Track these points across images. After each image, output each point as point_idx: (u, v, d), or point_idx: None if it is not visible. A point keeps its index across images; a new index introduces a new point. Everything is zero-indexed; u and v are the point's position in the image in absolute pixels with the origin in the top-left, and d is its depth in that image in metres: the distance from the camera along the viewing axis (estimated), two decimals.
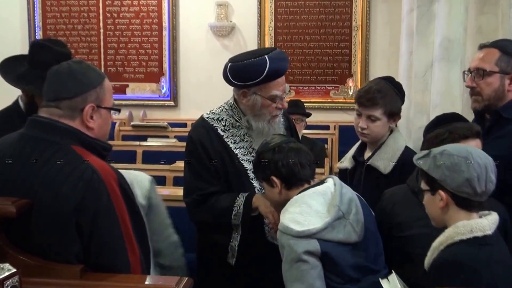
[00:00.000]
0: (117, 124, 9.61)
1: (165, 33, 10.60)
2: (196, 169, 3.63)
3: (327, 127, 9.92)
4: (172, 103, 10.76)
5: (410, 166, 3.26)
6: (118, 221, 2.60)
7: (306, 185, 3.23)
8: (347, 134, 9.68)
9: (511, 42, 3.72)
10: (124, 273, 2.60)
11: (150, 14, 10.60)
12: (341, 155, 6.26)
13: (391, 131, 3.86)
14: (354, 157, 3.97)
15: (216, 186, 3.59)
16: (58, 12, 10.77)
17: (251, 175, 3.62)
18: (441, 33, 8.60)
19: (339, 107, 10.30)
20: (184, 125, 9.76)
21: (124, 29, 10.69)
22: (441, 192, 2.77)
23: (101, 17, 10.70)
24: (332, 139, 9.30)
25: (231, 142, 3.62)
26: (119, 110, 2.92)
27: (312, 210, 3.04)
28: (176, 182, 5.92)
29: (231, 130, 3.65)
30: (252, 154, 3.59)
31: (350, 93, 10.14)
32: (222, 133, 3.63)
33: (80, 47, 10.71)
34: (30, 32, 10.65)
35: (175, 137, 8.67)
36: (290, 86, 10.24)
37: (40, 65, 3.65)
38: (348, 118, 10.23)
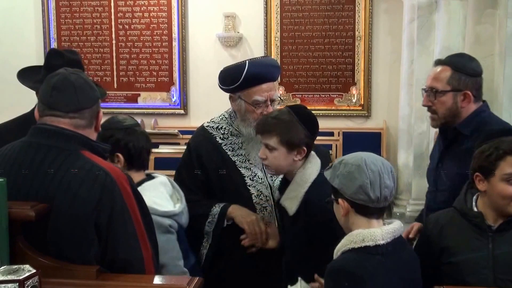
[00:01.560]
0: None
1: (175, 43, 10.59)
2: (182, 176, 3.66)
3: (331, 134, 9.98)
4: (182, 111, 10.74)
5: (315, 207, 3.09)
6: (131, 219, 2.66)
7: (142, 171, 3.37)
8: (350, 141, 9.73)
9: (464, 58, 3.64)
10: (139, 268, 2.65)
11: (160, 25, 10.59)
12: None
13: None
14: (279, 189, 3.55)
15: (196, 195, 3.58)
16: (72, 24, 10.77)
17: (249, 181, 3.60)
18: (440, 42, 8.64)
19: (343, 114, 10.30)
20: (193, 132, 9.70)
21: (135, 40, 10.69)
22: (340, 200, 2.76)
23: (113, 29, 10.71)
24: (336, 145, 9.35)
25: (229, 150, 3.62)
26: None
27: (164, 196, 3.26)
28: None
29: (229, 138, 3.64)
30: (250, 162, 3.61)
31: (354, 100, 10.16)
32: (220, 141, 3.63)
33: (93, 58, 10.71)
34: (45, 44, 10.65)
35: (185, 144, 8.63)
36: (295, 94, 10.35)
37: (54, 70, 3.73)
38: (352, 125, 10.33)
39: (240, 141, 3.63)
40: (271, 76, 3.60)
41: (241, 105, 3.55)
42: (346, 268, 2.62)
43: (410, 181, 8.88)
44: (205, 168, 3.57)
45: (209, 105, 9.87)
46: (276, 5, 10.25)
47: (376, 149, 9.57)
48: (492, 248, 2.86)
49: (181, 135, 9.34)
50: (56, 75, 2.76)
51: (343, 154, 8.30)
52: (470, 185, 3.05)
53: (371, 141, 9.94)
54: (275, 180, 3.64)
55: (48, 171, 2.57)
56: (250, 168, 3.59)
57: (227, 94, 3.66)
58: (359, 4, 10.07)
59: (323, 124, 9.46)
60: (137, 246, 2.66)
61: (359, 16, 10.09)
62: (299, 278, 2.96)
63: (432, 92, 3.49)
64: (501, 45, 3.71)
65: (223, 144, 3.61)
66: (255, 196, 3.60)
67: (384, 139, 10.08)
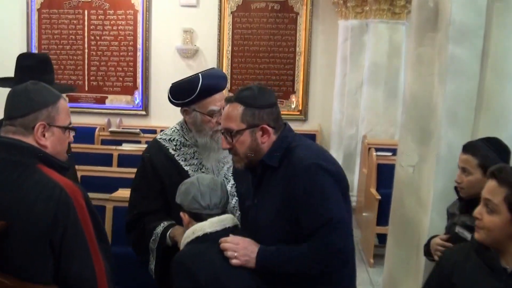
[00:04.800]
0: (97, 130, 9.24)
1: (139, 54, 10.36)
2: (140, 187, 3.17)
3: None
4: (144, 112, 10.51)
5: None
6: (84, 235, 2.24)
7: None
8: None
9: (251, 90, 2.72)
10: (91, 281, 2.23)
11: (127, 37, 10.34)
12: None
13: None
14: None
15: (155, 205, 3.12)
16: (51, 35, 10.47)
17: None
18: (369, 59, 8.46)
19: (283, 117, 9.90)
20: (154, 131, 9.39)
21: (105, 50, 10.41)
22: (182, 214, 2.77)
23: (86, 39, 10.42)
24: None
25: (182, 160, 3.13)
26: (74, 129, 2.47)
27: None
28: None
29: (182, 149, 3.16)
30: (202, 170, 3.13)
31: (293, 106, 10.07)
32: (173, 152, 3.14)
33: (68, 64, 10.40)
34: (28, 50, 10.29)
35: (146, 142, 8.23)
36: None
37: (26, 70, 3.46)
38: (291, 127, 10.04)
39: (192, 151, 3.15)
40: (222, 86, 3.16)
41: (196, 117, 3.07)
42: (177, 258, 2.63)
43: None
44: (160, 177, 3.08)
45: (167, 107, 9.32)
46: (229, 23, 10.15)
47: None
48: None
49: (142, 134, 8.93)
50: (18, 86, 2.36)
51: None
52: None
53: None
54: (227, 185, 3.16)
55: (5, 186, 2.13)
56: None
57: None
58: (300, 24, 10.02)
59: None
60: (89, 261, 2.24)
61: (300, 35, 10.03)
62: None
63: (228, 134, 2.71)
64: (441, 65, 3.34)
65: (176, 155, 3.12)
66: None
67: (318, 140, 9.92)
